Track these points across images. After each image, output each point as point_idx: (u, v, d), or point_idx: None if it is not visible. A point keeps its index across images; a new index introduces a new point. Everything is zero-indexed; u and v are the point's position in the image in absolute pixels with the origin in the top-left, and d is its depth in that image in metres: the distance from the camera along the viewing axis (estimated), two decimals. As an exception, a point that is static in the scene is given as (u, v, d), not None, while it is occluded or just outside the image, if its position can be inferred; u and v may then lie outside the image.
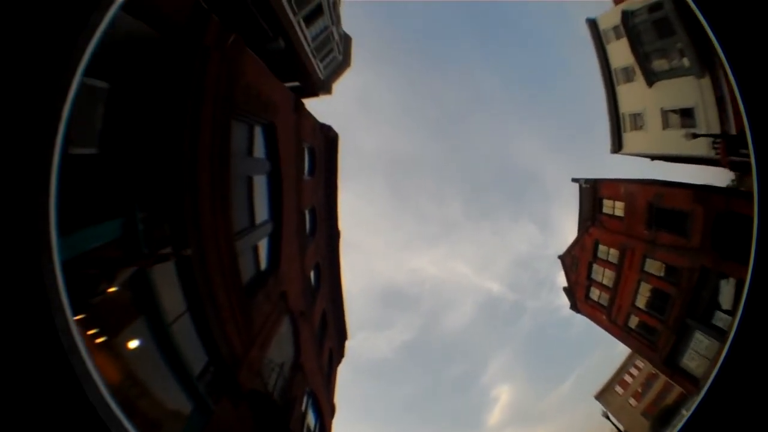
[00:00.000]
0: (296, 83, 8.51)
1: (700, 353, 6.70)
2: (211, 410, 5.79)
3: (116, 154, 5.38)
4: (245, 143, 8.02)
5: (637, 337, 7.51)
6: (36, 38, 3.19)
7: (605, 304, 7.57)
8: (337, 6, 7.78)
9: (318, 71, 8.43)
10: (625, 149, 7.37)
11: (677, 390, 7.06)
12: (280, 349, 7.50)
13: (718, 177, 6.58)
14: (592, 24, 6.78)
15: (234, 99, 7.58)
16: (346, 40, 8.40)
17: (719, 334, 6.27)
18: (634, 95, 7.19)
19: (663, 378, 7.31)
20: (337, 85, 8.34)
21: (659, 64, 6.87)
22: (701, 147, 6.68)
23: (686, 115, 6.95)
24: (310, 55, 8.26)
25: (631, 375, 7.86)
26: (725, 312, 6.43)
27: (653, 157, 7.32)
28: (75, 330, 3.24)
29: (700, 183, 7.06)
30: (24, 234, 3.13)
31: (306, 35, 8.01)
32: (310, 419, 6.52)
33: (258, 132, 8.31)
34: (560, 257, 8.07)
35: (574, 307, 7.47)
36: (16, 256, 3.12)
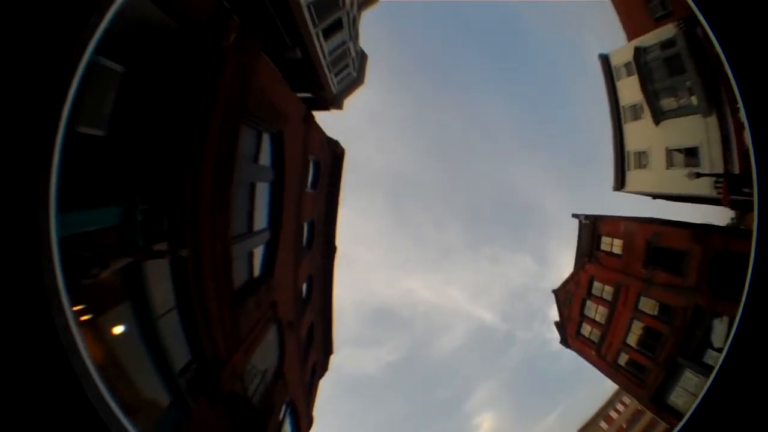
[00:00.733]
0: (309, 95, 8.58)
1: (689, 390, 6.63)
2: (189, 407, 5.70)
3: (123, 141, 5.41)
4: (252, 149, 8.05)
5: (626, 374, 7.44)
6: (45, 20, 3.23)
7: (596, 340, 7.51)
8: (356, 22, 7.89)
9: (331, 85, 8.51)
10: (628, 187, 7.40)
11: (662, 426, 6.97)
12: (264, 356, 7.43)
13: (718, 216, 6.61)
14: (605, 60, 6.87)
15: (246, 104, 7.64)
16: (362, 57, 8.49)
17: (710, 372, 6.22)
18: (641, 133, 7.24)
19: (649, 414, 7.23)
20: (349, 101, 8.41)
21: (667, 103, 6.94)
22: (703, 186, 6.71)
23: (690, 154, 7.00)
24: (326, 69, 8.35)
25: (617, 411, 7.78)
26: (717, 350, 6.37)
27: (655, 196, 7.35)
28: (75, 330, 3.23)
29: (699, 222, 7.08)
30: (24, 234, 3.14)
31: (323, 48, 8.10)
32: (287, 428, 6.42)
33: (266, 139, 8.35)
34: (554, 291, 8.04)
35: (565, 341, 7.41)
36: (16, 256, 3.12)
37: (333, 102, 8.61)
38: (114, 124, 5.30)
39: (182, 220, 6.47)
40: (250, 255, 7.97)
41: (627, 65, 6.74)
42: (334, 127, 8.16)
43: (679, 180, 7.01)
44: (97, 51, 3.40)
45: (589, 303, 7.86)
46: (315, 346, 8.82)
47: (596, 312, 7.78)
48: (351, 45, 8.12)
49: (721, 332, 6.45)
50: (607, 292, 7.80)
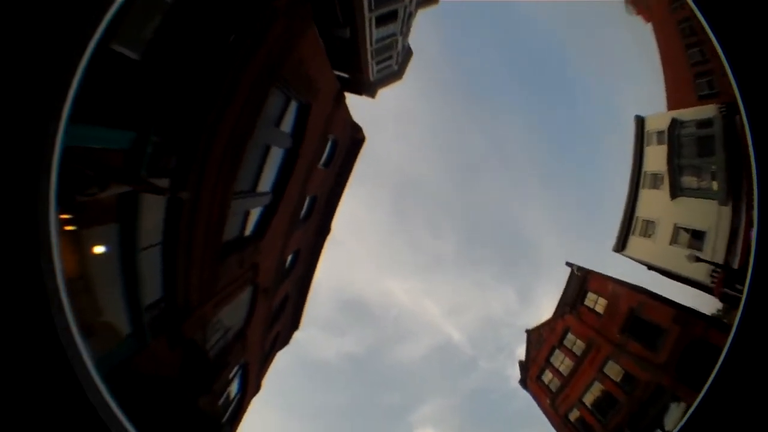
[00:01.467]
0: (346, 75, 8.59)
1: (627, 464, 6.71)
2: (146, 343, 5.75)
3: (154, 70, 5.44)
4: (276, 113, 8.08)
5: (573, 430, 7.48)
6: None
7: (553, 389, 7.55)
8: (411, 18, 7.90)
9: (370, 72, 8.52)
10: (627, 251, 7.42)
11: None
12: (232, 314, 7.48)
13: (705, 304, 6.62)
14: (639, 122, 6.87)
15: (283, 68, 7.66)
16: (407, 53, 8.49)
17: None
18: (654, 203, 7.26)
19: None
20: (383, 92, 8.42)
21: (689, 181, 6.95)
22: (700, 271, 6.73)
23: (696, 237, 7.01)
24: (369, 55, 8.36)
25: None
26: (666, 433, 6.43)
27: (651, 267, 7.37)
28: (75, 330, 3.27)
29: (685, 305, 7.11)
30: (24, 234, 3.17)
31: (372, 34, 8.11)
32: (234, 388, 6.47)
33: (293, 107, 8.37)
34: (527, 331, 8.07)
35: (524, 382, 7.45)
36: (16, 256, 3.15)
37: (367, 89, 8.62)
38: (150, 51, 5.33)
39: (190, 163, 6.50)
40: (247, 214, 8.00)
41: (659, 133, 6.75)
42: (361, 113, 8.18)
43: (678, 258, 7.03)
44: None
45: (557, 352, 7.89)
46: (283, 318, 8.87)
47: (562, 362, 7.81)
48: (400, 39, 8.12)
49: (675, 417, 6.48)
50: (578, 346, 7.83)
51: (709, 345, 6.65)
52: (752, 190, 3.58)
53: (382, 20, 8.00)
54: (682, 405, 6.50)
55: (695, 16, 3.55)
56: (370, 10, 7.77)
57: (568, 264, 7.92)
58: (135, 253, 5.87)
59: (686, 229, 7.09)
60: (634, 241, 7.73)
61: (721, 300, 6.48)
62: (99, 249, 5.21)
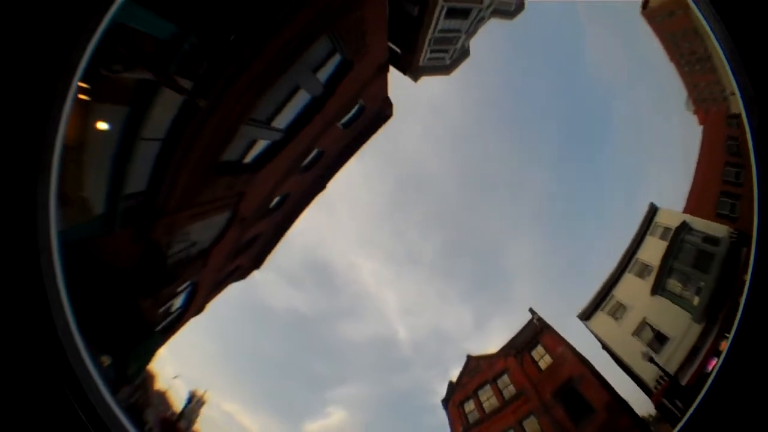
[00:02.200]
0: (398, 50, 8.59)
1: None
2: (113, 229, 5.83)
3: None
4: (317, 60, 8.07)
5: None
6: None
7: (470, 420, 7.75)
8: (481, 22, 7.89)
9: (422, 57, 8.52)
10: (590, 323, 7.57)
11: None
12: (202, 231, 7.56)
13: (639, 403, 6.77)
14: (652, 210, 6.97)
15: (342, 19, 7.65)
16: (463, 54, 8.50)
17: None
18: (633, 291, 7.40)
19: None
20: (426, 80, 8.42)
21: (674, 285, 7.07)
22: (648, 371, 6.89)
23: (659, 339, 7.15)
24: (427, 40, 8.36)
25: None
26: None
27: (605, 347, 7.54)
28: (75, 330, 3.31)
29: (622, 396, 7.28)
30: (24, 233, 3.19)
31: (439, 22, 8.11)
32: (178, 302, 6.57)
33: (335, 60, 8.37)
34: (469, 356, 8.22)
35: (446, 402, 7.63)
36: (16, 256, 3.17)
37: (413, 71, 8.63)
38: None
39: (219, 75, 6.53)
40: (252, 143, 8.04)
41: (666, 229, 6.86)
42: (397, 90, 8.19)
43: (634, 351, 7.19)
44: None
45: (488, 387, 8.08)
46: (248, 253, 8.95)
47: (488, 399, 8.00)
48: (462, 37, 8.13)
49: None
50: (509, 391, 8.02)
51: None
52: (730, 324, 3.67)
53: (452, 13, 7.98)
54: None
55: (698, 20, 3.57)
56: (445, 0, 7.76)
57: (531, 311, 8.07)
58: (134, 140, 5.92)
59: (653, 328, 7.23)
60: (600, 317, 7.86)
61: (656, 407, 6.63)
62: (103, 125, 5.27)
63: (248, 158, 8.13)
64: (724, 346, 3.67)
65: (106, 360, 4.19)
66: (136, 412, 3.78)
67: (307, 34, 7.34)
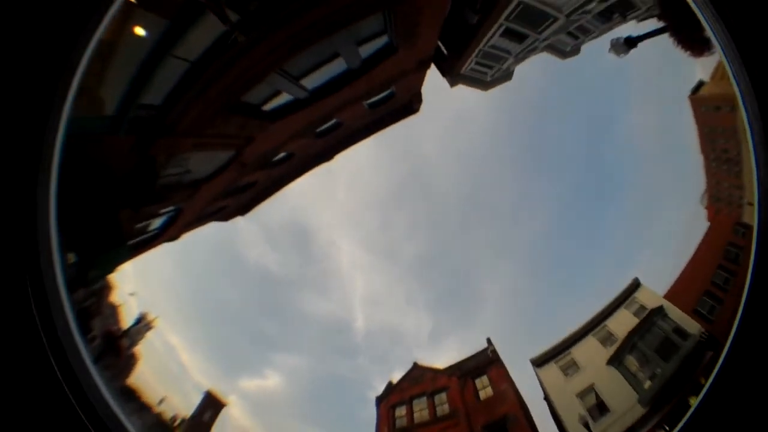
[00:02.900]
0: (444, 51, 8.58)
1: None
2: (119, 130, 5.84)
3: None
4: (365, 34, 8.06)
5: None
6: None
7: (396, 426, 7.83)
8: (533, 51, 7.90)
9: (465, 65, 8.51)
10: (540, 370, 7.66)
11: None
12: (200, 162, 7.55)
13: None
14: (634, 285, 7.03)
15: (401, 2, 7.64)
16: (506, 75, 8.50)
17: None
18: (591, 354, 7.50)
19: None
20: (462, 89, 8.42)
21: (631, 362, 7.17)
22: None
23: (600, 408, 7.27)
24: (475, 51, 8.36)
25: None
26: None
27: (546, 398, 7.63)
28: (75, 330, 3.30)
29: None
30: (24, 233, 3.18)
31: (492, 38, 8.11)
32: (156, 224, 6.58)
33: (381, 40, 8.34)
34: (415, 364, 8.29)
35: (379, 400, 7.71)
36: (16, 255, 3.16)
37: (453, 75, 8.62)
38: None
39: (266, 17, 6.53)
40: (276, 93, 8.02)
41: (641, 307, 6.94)
42: (430, 89, 8.19)
43: (572, 411, 7.30)
44: None
45: (424, 399, 8.16)
46: (238, 198, 8.94)
47: (420, 410, 8.09)
48: (510, 60, 8.13)
49: None
50: (443, 409, 8.11)
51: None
52: (673, 416, 3.71)
53: (509, 33, 7.98)
54: None
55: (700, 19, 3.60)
56: (506, 18, 7.75)
57: (488, 341, 8.14)
58: (165, 54, 5.92)
59: (598, 396, 7.33)
60: (552, 369, 7.95)
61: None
62: (140, 31, 5.27)
63: (268, 106, 8.11)
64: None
65: (72, 257, 4.20)
66: (85, 317, 3.79)
67: (366, 5, 7.33)
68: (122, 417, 3.46)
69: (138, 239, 6.46)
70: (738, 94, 3.58)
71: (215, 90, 7.00)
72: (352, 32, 7.68)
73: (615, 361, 7.15)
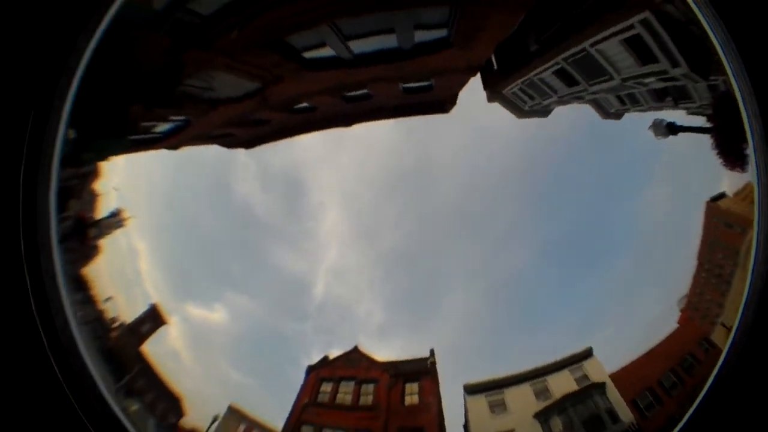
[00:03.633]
0: (495, 65, 8.58)
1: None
2: (159, 29, 5.87)
3: None
4: (426, 20, 7.96)
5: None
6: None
7: (318, 399, 7.90)
8: (577, 100, 7.93)
9: (509, 87, 8.52)
10: (469, 398, 7.76)
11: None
12: (224, 83, 7.57)
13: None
14: (586, 352, 7.08)
15: (475, 4, 7.63)
16: (543, 112, 8.51)
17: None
18: (522, 402, 7.53)
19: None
20: (498, 107, 8.44)
21: (556, 423, 7.22)
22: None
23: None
24: (524, 78, 8.37)
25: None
26: None
27: (466, 427, 7.73)
28: (75, 330, 3.30)
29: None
30: (24, 232, 3.19)
31: (543, 72, 8.10)
32: (162, 128, 6.60)
33: (439, 32, 8.29)
34: (356, 348, 8.37)
35: (311, 368, 7.74)
36: (16, 255, 3.17)
37: (493, 91, 8.61)
38: None
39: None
40: (321, 44, 7.99)
41: (584, 376, 7.00)
42: (466, 94, 8.19)
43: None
44: None
45: (352, 384, 8.23)
46: (247, 131, 8.90)
47: (345, 393, 8.15)
48: (553, 98, 8.12)
49: None
50: (366, 399, 8.17)
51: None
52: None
53: (562, 74, 7.97)
54: None
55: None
56: (565, 59, 7.74)
57: (432, 352, 8.22)
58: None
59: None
60: (481, 402, 8.04)
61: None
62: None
63: (308, 54, 8.08)
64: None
65: (72, 133, 4.22)
66: (65, 196, 3.82)
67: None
68: (122, 417, 3.51)
69: (140, 137, 6.44)
70: (738, 93, 3.63)
71: (264, 21, 6.97)
72: (415, 14, 7.64)
73: (542, 416, 7.23)
